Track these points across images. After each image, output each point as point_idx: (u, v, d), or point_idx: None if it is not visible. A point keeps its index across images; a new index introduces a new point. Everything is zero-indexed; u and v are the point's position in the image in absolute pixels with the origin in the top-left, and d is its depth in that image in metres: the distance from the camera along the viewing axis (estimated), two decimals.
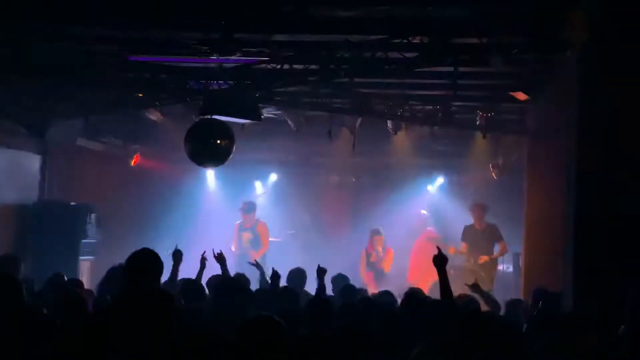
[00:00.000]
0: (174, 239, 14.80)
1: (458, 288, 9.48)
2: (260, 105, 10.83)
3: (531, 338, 5.87)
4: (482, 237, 13.15)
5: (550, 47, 8.29)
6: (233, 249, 14.09)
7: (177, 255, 7.57)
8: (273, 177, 16.70)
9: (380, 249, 13.90)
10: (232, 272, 9.62)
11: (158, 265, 5.43)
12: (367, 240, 14.10)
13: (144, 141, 14.31)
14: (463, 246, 13.32)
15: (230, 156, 10.44)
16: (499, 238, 13.17)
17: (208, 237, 14.60)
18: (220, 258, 8.29)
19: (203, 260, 8.06)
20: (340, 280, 8.94)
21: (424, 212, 15.10)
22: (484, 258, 12.88)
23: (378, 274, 13.68)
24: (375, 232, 14.00)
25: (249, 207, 14.49)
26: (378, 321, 5.87)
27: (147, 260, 5.40)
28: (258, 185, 16.81)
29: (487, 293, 8.33)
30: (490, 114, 11.87)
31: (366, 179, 16.42)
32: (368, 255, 13.94)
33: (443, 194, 16.08)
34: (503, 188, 13.84)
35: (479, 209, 13.32)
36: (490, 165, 14.08)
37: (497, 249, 13.25)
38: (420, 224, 14.83)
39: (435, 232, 14.68)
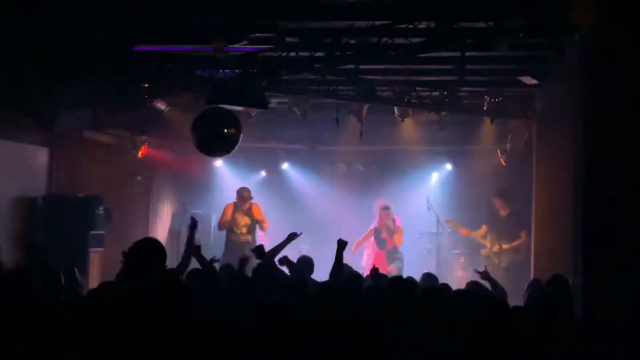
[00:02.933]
0: (183, 230, 14.99)
1: (469, 275, 9.55)
2: (266, 93, 10.83)
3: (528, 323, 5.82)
4: (505, 224, 13.04)
5: (557, 30, 8.28)
6: (221, 229, 13.18)
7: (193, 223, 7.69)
8: (285, 165, 16.57)
9: (390, 222, 13.82)
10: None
11: (161, 254, 5.43)
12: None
13: (151, 132, 14.31)
14: (482, 229, 13.19)
15: (238, 145, 10.44)
16: (521, 226, 13.03)
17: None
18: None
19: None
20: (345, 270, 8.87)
21: (385, 204, 14.83)
22: (497, 247, 12.82)
23: (390, 253, 13.57)
24: (384, 208, 13.94)
25: (250, 195, 13.31)
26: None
27: (149, 250, 5.39)
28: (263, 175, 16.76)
29: (495, 281, 8.33)
30: (498, 99, 11.83)
31: (374, 167, 16.38)
32: (378, 232, 13.87)
33: (451, 180, 16.04)
34: (512, 174, 13.81)
35: (504, 195, 13.19)
36: (499, 151, 14.05)
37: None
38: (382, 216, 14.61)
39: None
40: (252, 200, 13.32)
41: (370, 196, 15.63)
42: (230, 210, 13.26)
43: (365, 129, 12.42)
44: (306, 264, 8.82)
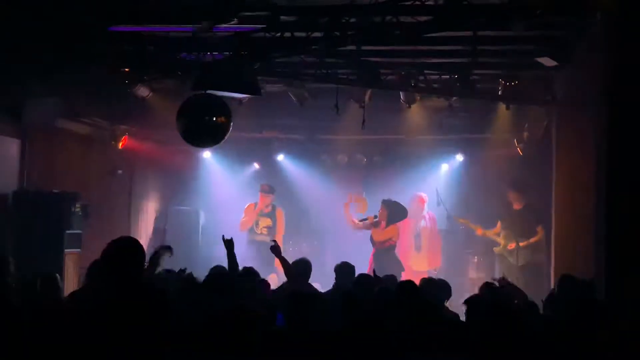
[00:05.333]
0: (168, 228, 15.12)
1: (483, 276, 9.58)
2: (259, 78, 10.84)
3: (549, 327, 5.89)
4: (520, 218, 13.02)
5: (578, 8, 8.28)
6: (243, 229, 14.44)
7: (230, 244, 8.08)
8: (280, 157, 16.62)
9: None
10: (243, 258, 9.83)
11: (139, 255, 5.36)
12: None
13: (132, 121, 14.32)
14: (498, 226, 13.21)
15: (227, 135, 10.47)
16: (538, 221, 13.01)
17: (208, 223, 14.84)
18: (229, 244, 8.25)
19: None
20: (347, 270, 8.91)
21: (423, 195, 14.98)
22: (512, 245, 12.84)
23: (378, 253, 13.64)
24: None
25: (271, 189, 14.93)
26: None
27: (126, 251, 5.34)
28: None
29: (506, 284, 8.35)
30: (514, 83, 11.85)
31: (378, 158, 16.41)
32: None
33: (463, 172, 16.07)
34: (529, 164, 13.84)
35: (518, 187, 13.18)
36: (515, 140, 14.08)
37: None
38: (417, 208, 14.76)
39: (435, 217, 14.70)
40: (276, 204, 14.99)
41: (373, 190, 15.66)
42: (250, 211, 14.82)
43: (367, 116, 12.43)
44: (302, 268, 8.97)
